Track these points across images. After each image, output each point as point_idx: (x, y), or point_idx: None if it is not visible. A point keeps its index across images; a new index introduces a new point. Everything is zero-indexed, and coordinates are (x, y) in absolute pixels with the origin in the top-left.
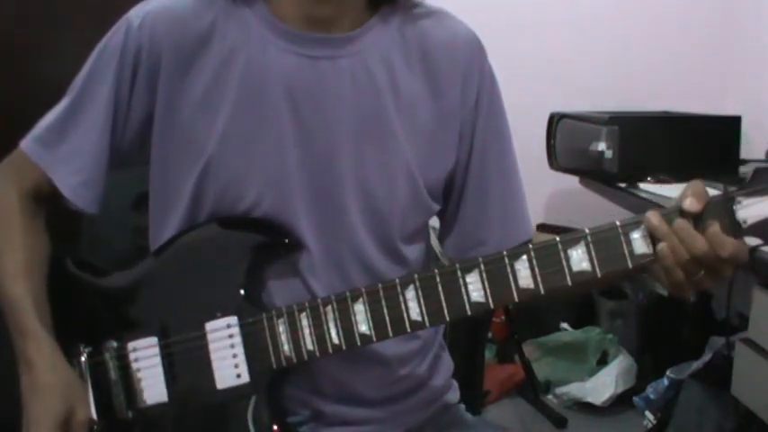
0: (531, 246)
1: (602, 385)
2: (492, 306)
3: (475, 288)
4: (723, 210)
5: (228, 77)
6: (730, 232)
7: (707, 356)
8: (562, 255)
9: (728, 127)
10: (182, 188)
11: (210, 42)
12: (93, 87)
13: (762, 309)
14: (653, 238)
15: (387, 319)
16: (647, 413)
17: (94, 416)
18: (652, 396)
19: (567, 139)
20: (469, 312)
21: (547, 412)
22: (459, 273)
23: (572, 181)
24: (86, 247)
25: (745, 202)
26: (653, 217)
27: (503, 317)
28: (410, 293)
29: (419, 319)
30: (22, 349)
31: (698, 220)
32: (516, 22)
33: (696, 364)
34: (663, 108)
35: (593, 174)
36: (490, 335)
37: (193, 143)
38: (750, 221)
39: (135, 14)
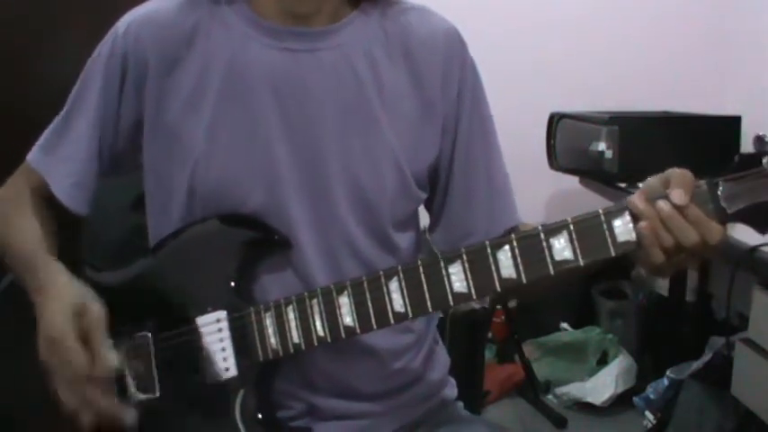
0: (513, 235)
1: (602, 385)
2: (474, 296)
3: (457, 278)
4: (707, 196)
5: (212, 76)
6: (714, 218)
7: (707, 356)
8: (544, 244)
9: (728, 127)
10: (175, 188)
11: (194, 43)
12: (85, 95)
13: (762, 309)
14: (636, 223)
15: (371, 311)
16: (647, 413)
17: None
18: (652, 396)
19: (567, 139)
20: (452, 303)
21: (547, 412)
22: (442, 263)
23: (572, 181)
24: (86, 246)
25: (729, 187)
26: (639, 202)
27: (503, 317)
28: (394, 285)
29: (402, 310)
30: (35, 284)
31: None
32: (516, 23)
33: (696, 364)
34: (663, 108)
35: (593, 174)
36: (490, 335)
37: (182, 142)
38: (734, 207)
39: (122, 22)
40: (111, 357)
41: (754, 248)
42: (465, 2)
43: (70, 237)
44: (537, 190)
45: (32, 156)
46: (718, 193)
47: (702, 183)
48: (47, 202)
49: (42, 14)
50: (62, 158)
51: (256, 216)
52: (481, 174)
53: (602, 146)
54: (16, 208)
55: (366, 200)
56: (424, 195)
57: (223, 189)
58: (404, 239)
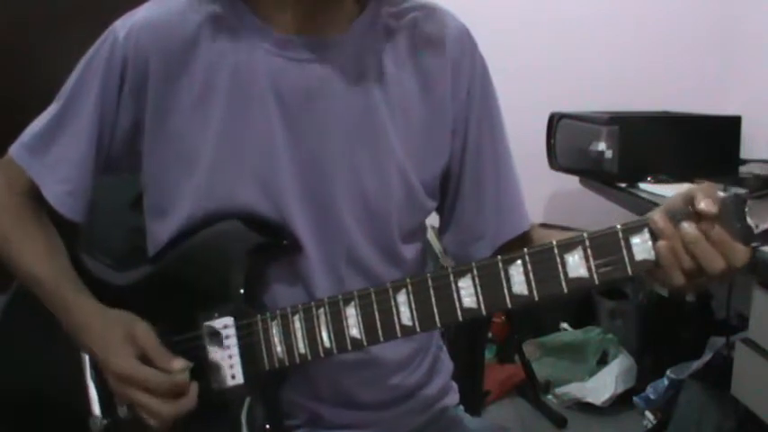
0: (526, 250)
1: (603, 385)
2: (484, 313)
3: (467, 293)
4: (733, 213)
5: (218, 84)
6: (740, 237)
7: (707, 356)
8: (558, 260)
9: (728, 127)
10: (178, 193)
11: (197, 49)
12: (80, 98)
13: (762, 309)
14: (655, 241)
15: (378, 323)
16: (647, 413)
17: (98, 412)
18: (652, 396)
19: (567, 139)
20: (461, 318)
21: (547, 412)
22: (451, 277)
23: (572, 181)
24: (85, 246)
25: (757, 204)
26: (660, 220)
27: (503, 317)
28: (402, 297)
29: (410, 324)
30: (72, 321)
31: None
32: (517, 22)
33: (696, 364)
34: (663, 108)
35: (593, 174)
36: (490, 335)
37: (186, 149)
38: (762, 226)
39: (120, 26)
40: (177, 363)
41: (755, 248)
42: (465, 1)
43: (68, 235)
44: (537, 190)
45: (20, 157)
46: (746, 210)
47: (728, 199)
48: (40, 204)
49: (42, 14)
50: (55, 162)
51: (266, 220)
52: (490, 176)
53: (602, 146)
54: (20, 225)
55: (371, 209)
56: (432, 205)
57: (227, 196)
58: (410, 251)
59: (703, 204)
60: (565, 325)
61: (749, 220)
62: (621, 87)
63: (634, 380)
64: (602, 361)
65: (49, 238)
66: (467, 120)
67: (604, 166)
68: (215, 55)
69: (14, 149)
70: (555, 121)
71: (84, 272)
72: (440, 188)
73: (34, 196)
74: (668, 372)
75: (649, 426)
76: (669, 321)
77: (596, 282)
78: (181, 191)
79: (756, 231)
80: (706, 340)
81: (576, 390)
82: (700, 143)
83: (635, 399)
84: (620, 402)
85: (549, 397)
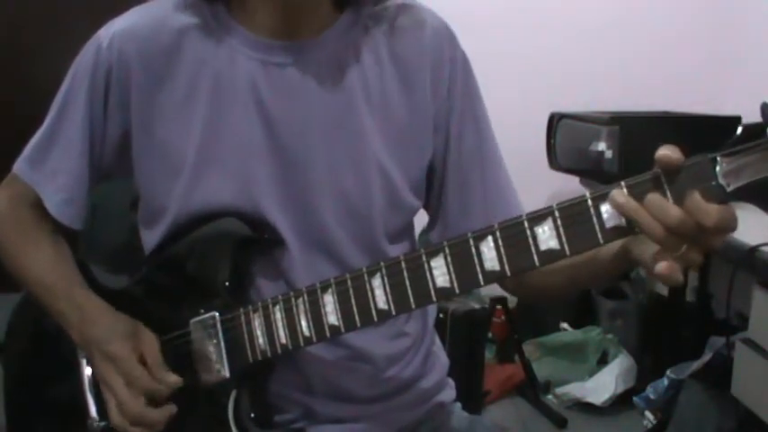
0: (496, 225)
1: (602, 385)
2: (457, 291)
3: (440, 273)
4: (703, 173)
5: (199, 89)
6: (713, 197)
7: (707, 356)
8: (528, 233)
9: (728, 127)
10: (165, 200)
11: (179, 56)
12: (69, 108)
13: (762, 309)
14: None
15: (354, 308)
16: (647, 413)
17: (95, 414)
18: (652, 396)
19: (567, 139)
20: (434, 299)
21: (547, 412)
22: (424, 257)
23: (572, 181)
24: (85, 247)
25: (729, 162)
26: (618, 195)
27: (503, 317)
28: (377, 281)
29: (385, 307)
30: (82, 318)
31: (674, 186)
32: (517, 22)
33: (696, 364)
34: (663, 108)
35: (593, 174)
36: (490, 335)
37: (171, 157)
38: (734, 185)
39: (104, 34)
40: (171, 376)
41: (754, 248)
42: (466, 1)
43: (68, 236)
44: (537, 190)
45: (21, 169)
46: (717, 170)
47: (697, 158)
48: (44, 214)
49: (42, 14)
50: (52, 172)
51: (248, 215)
52: (476, 172)
53: (602, 146)
54: (24, 234)
55: (353, 210)
56: (418, 204)
57: (208, 201)
58: (397, 251)
59: (662, 151)
60: (565, 325)
61: (721, 180)
62: (621, 87)
63: (634, 380)
64: (602, 361)
65: (55, 245)
66: (448, 115)
67: (604, 166)
68: (196, 61)
69: (17, 164)
70: (555, 121)
71: (85, 277)
72: (426, 186)
73: (37, 207)
74: (668, 372)
75: (649, 426)
76: (669, 321)
77: (568, 253)
78: (167, 197)
79: (729, 190)
80: (706, 340)
81: (576, 390)
82: (700, 143)
83: (635, 399)
84: (620, 402)
85: (549, 397)
